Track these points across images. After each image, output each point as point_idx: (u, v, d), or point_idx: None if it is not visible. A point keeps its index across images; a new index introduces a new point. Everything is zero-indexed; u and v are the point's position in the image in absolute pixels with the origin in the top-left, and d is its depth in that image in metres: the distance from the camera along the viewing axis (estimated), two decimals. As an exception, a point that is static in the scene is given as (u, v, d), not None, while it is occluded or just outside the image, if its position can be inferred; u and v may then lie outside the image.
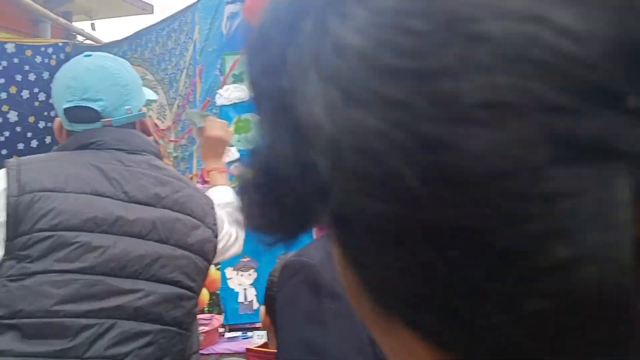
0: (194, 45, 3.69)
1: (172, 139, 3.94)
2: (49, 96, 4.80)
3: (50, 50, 4.81)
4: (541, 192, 0.18)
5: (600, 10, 0.19)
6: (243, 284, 2.83)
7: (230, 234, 1.53)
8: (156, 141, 3.43)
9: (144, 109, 1.46)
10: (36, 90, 4.73)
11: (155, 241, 1.30)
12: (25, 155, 4.80)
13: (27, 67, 4.65)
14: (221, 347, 2.69)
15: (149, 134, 1.46)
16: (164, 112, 4.07)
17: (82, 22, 5.57)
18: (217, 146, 1.70)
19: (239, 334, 2.83)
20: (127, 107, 1.38)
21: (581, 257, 0.18)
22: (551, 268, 0.19)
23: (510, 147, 0.19)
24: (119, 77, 1.37)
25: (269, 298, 1.23)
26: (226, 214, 1.54)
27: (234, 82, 3.07)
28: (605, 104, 0.18)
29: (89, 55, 1.41)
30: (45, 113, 4.79)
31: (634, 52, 0.19)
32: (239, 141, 2.68)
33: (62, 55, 4.87)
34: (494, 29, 0.19)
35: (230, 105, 2.96)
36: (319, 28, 0.22)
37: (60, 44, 4.90)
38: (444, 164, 0.19)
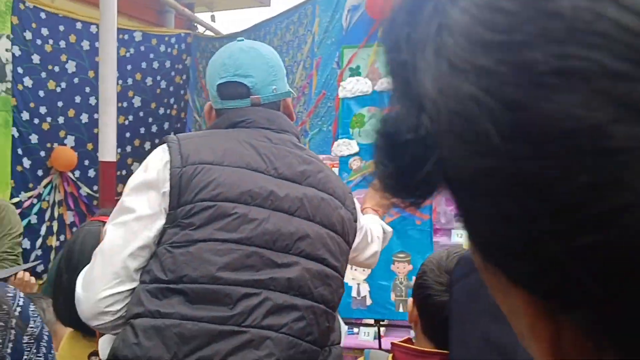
0: (313, 38, 3.71)
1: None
2: (169, 84, 5.02)
3: (173, 40, 5.01)
4: (603, 146, 0.21)
5: None
6: (357, 279, 2.81)
7: (369, 234, 1.55)
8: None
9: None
10: (158, 78, 4.95)
11: (303, 218, 1.32)
12: (145, 139, 4.98)
13: (152, 56, 4.87)
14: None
15: (291, 117, 1.50)
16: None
17: (203, 13, 5.76)
18: (379, 196, 1.74)
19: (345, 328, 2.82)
20: (273, 87, 1.44)
21: (634, 203, 0.21)
22: (610, 212, 0.22)
23: (577, 108, 0.22)
24: (268, 59, 1.45)
25: (418, 287, 1.19)
26: (371, 222, 1.61)
27: (350, 76, 3.06)
28: None
29: (242, 40, 1.53)
30: (165, 100, 5.00)
31: None
32: (359, 135, 2.66)
33: (183, 46, 5.06)
34: (566, 5, 0.22)
35: (353, 97, 2.95)
36: (436, 10, 0.27)
37: (182, 34, 5.10)
38: (522, 123, 0.23)
